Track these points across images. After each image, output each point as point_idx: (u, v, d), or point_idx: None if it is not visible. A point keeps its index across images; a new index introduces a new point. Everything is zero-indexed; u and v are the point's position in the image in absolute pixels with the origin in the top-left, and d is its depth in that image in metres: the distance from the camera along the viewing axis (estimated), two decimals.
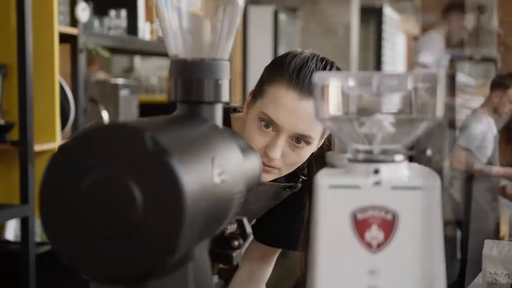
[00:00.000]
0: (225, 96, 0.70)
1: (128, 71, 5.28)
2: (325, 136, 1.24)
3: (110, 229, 0.54)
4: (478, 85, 4.19)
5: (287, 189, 1.34)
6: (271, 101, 1.16)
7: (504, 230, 3.62)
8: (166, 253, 0.54)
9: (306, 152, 1.20)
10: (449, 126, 4.04)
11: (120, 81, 3.21)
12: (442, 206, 0.61)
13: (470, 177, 3.58)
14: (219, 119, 0.70)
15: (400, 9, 7.56)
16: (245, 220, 0.77)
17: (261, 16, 4.92)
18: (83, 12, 2.60)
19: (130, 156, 0.54)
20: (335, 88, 0.62)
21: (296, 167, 1.22)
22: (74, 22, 2.63)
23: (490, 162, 3.61)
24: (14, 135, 2.31)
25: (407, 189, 0.59)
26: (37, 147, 2.34)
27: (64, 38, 2.60)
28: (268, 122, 1.16)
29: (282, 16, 5.06)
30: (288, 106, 1.15)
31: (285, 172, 1.22)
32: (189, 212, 0.54)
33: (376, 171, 0.60)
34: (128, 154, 0.54)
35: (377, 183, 0.60)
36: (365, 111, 0.63)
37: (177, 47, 0.69)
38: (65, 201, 0.55)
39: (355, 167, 0.62)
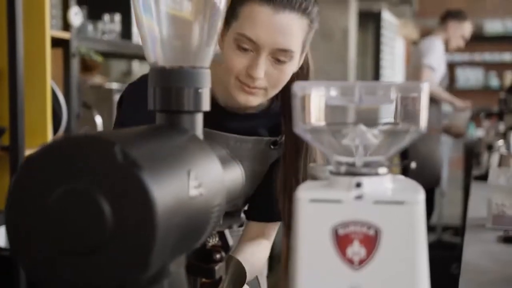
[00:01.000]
0: (205, 105, 0.68)
1: (126, 75, 5.27)
2: (305, 52, 1.24)
3: (78, 244, 0.52)
4: None
5: (272, 146, 1.31)
6: (246, 20, 1.16)
7: None
8: (138, 270, 0.52)
9: (289, 68, 1.19)
10: None
11: (115, 85, 3.18)
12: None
13: None
14: (199, 129, 0.68)
15: (399, 13, 7.54)
16: (227, 232, 0.75)
17: None
18: (76, 16, 2.58)
19: (100, 169, 0.52)
20: (316, 98, 0.60)
21: (281, 87, 1.21)
22: (66, 26, 2.61)
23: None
24: (5, 140, 2.29)
25: (390, 203, 0.57)
26: (28, 153, 2.31)
27: (57, 42, 2.58)
28: (245, 43, 1.16)
29: None
30: (265, 22, 1.14)
31: (271, 93, 1.21)
32: (161, 227, 0.52)
33: (358, 185, 0.58)
34: (97, 166, 0.52)
35: (359, 197, 0.57)
36: (349, 122, 0.61)
37: (156, 54, 0.67)
38: (32, 215, 0.53)
39: (337, 180, 0.59)
